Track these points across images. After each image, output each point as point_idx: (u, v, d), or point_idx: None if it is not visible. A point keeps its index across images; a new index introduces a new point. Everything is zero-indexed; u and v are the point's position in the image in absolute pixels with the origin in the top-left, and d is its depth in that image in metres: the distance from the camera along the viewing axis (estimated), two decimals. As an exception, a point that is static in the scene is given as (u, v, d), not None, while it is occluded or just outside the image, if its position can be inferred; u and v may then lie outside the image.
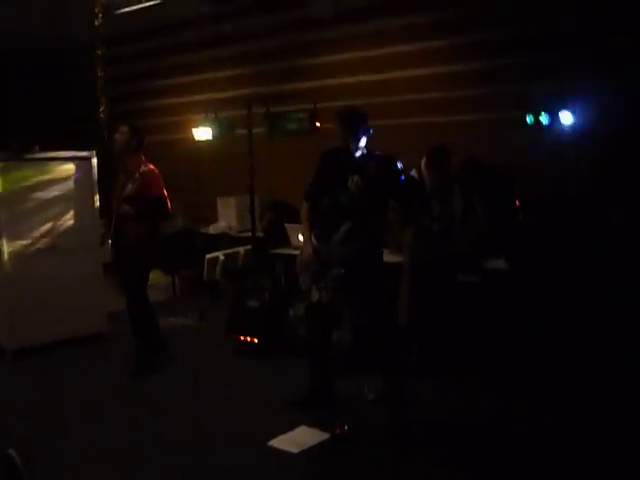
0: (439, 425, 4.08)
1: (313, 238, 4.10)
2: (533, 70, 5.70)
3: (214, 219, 7.96)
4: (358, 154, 4.01)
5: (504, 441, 3.83)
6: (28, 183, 5.66)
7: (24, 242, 5.63)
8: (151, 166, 5.10)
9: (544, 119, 5.14)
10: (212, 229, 7.81)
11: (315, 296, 4.02)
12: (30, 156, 5.66)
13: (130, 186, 5.00)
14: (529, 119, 5.28)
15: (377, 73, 6.83)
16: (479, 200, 5.00)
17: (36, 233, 5.69)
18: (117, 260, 5.23)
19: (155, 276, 6.79)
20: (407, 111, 6.51)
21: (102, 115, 5.49)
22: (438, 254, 4.83)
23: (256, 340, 5.45)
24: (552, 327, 4.59)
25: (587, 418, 4.08)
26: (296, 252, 5.69)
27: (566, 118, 5.06)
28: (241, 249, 7.12)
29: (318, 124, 6.86)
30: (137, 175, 5.01)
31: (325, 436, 3.87)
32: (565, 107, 5.07)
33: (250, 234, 6.35)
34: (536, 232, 4.88)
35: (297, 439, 3.88)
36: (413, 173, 5.03)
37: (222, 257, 6.99)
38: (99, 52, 5.06)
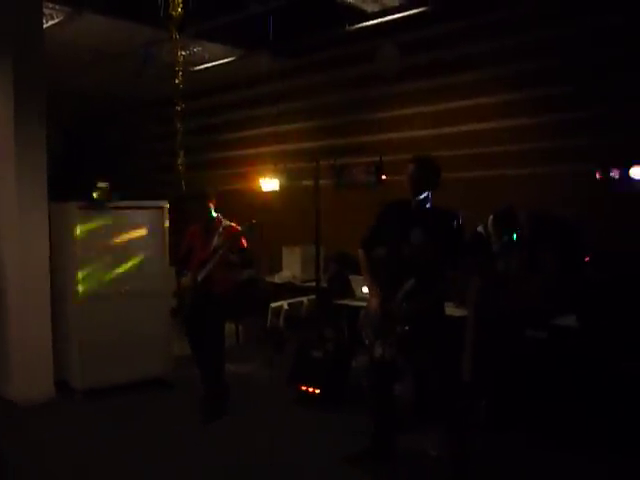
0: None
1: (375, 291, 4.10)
2: (602, 123, 5.65)
3: (279, 268, 8.07)
4: (421, 207, 4.01)
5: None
6: (104, 230, 5.92)
7: (96, 285, 5.85)
8: (228, 222, 5.40)
9: (613, 173, 5.05)
10: (277, 278, 7.92)
11: (378, 352, 4.00)
12: (109, 205, 5.93)
13: (217, 238, 5.25)
14: (598, 173, 5.20)
15: (440, 127, 6.90)
16: (548, 254, 4.93)
17: (108, 277, 5.91)
18: (194, 308, 5.34)
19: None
20: (471, 164, 6.53)
21: (180, 166, 5.73)
22: (505, 308, 4.76)
23: (318, 391, 5.44)
24: (624, 390, 4.41)
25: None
26: (360, 304, 5.75)
27: (636, 172, 4.96)
28: (305, 299, 7.19)
29: (384, 177, 6.97)
30: (221, 229, 5.29)
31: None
32: (635, 161, 4.98)
33: (314, 284, 6.41)
34: (607, 289, 4.74)
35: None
36: (480, 229, 5.02)
37: (286, 306, 7.08)
38: (178, 108, 5.29)
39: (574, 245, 5.15)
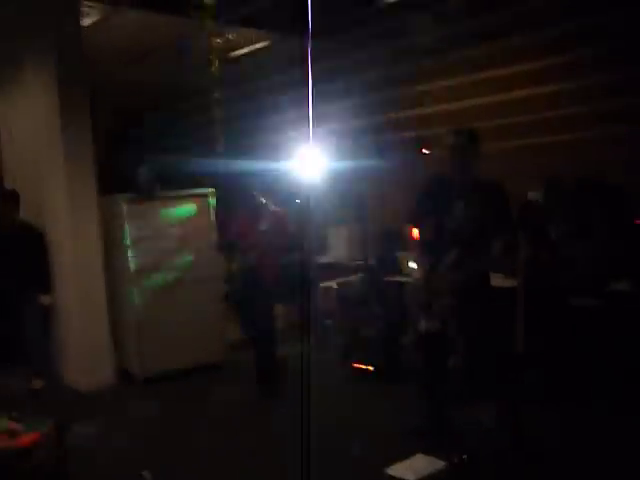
0: (556, 454, 3.93)
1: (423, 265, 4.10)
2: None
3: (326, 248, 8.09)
4: (464, 179, 3.98)
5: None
6: (154, 218, 6.05)
7: (150, 275, 5.99)
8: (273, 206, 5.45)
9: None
10: (325, 258, 7.96)
11: (423, 325, 4.01)
12: (154, 195, 6.05)
13: (264, 223, 5.33)
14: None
15: (483, 96, 6.78)
16: (598, 219, 4.83)
17: (161, 267, 6.05)
18: (244, 293, 5.45)
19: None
20: (511, 134, 6.39)
21: (221, 152, 5.81)
22: (555, 277, 4.70)
23: (372, 368, 5.49)
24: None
25: None
26: (408, 279, 5.75)
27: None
28: (354, 277, 7.21)
29: (426, 151, 6.90)
30: (269, 214, 5.38)
31: (442, 464, 3.83)
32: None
33: (363, 262, 6.43)
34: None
35: (414, 467, 3.86)
36: (532, 196, 4.95)
37: (335, 286, 7.11)
38: (216, 95, 5.36)
39: (624, 209, 5.03)
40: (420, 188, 4.22)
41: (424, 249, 4.15)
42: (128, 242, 5.90)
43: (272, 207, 5.45)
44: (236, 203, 5.77)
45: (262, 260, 5.30)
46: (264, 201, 5.48)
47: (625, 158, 5.44)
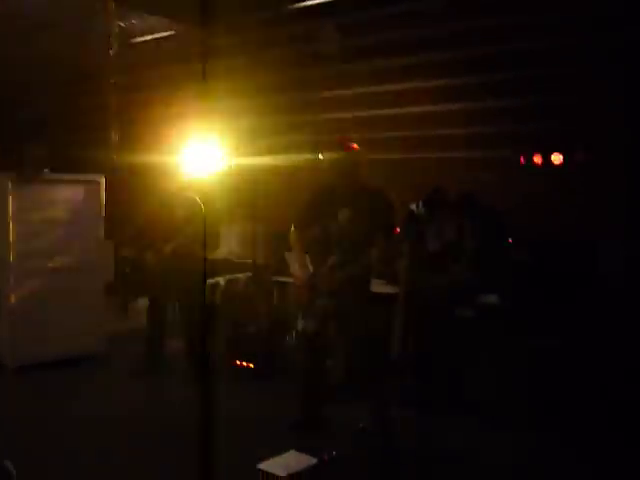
0: (424, 460, 4.15)
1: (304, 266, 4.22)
2: (527, 110, 5.86)
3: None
4: (350, 188, 4.13)
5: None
6: (38, 203, 5.82)
7: (30, 260, 5.76)
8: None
9: (537, 159, 5.28)
10: (215, 254, 7.93)
11: (301, 324, 4.14)
12: (41, 176, 5.83)
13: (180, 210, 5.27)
14: (523, 159, 5.43)
15: (370, 109, 7.02)
16: (473, 235, 5.14)
17: (42, 252, 5.83)
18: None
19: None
20: (398, 147, 6.68)
21: (114, 140, 5.67)
22: (433, 286, 4.95)
23: (252, 365, 5.55)
24: (544, 364, 4.66)
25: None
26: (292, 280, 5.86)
27: (557, 158, 5.19)
28: (241, 275, 7.25)
29: (321, 156, 7.04)
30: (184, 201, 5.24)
31: (313, 461, 3.94)
32: (557, 148, 5.22)
33: (250, 261, 6.48)
34: (527, 269, 4.99)
35: (286, 463, 3.94)
36: (413, 208, 5.20)
37: (222, 283, 7.12)
38: (113, 81, 5.23)
39: (498, 227, 5.38)
40: (309, 194, 4.32)
41: (307, 252, 4.27)
42: (9, 222, 5.64)
43: (186, 194, 5.31)
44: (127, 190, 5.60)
45: (182, 250, 5.22)
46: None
47: (501, 180, 5.84)
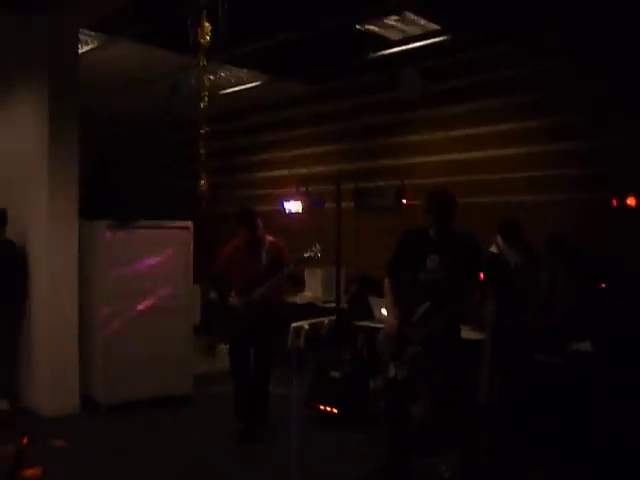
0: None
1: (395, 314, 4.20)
2: (619, 151, 5.73)
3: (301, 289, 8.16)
4: (438, 234, 4.11)
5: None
6: (131, 248, 6.09)
7: (123, 304, 6.00)
8: (271, 237, 5.37)
9: (630, 200, 5.11)
10: (299, 299, 8.03)
11: (392, 372, 4.10)
12: (134, 224, 6.12)
13: (265, 256, 5.22)
14: (615, 200, 5.27)
15: (459, 153, 7.03)
16: (566, 280, 5.00)
17: (135, 295, 6.07)
18: (249, 330, 5.25)
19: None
20: (487, 191, 6.63)
21: (202, 187, 5.86)
22: (522, 329, 4.83)
23: (335, 410, 5.51)
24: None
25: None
26: (379, 325, 5.83)
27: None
28: (325, 319, 7.28)
29: (404, 201, 7.08)
30: (268, 246, 5.27)
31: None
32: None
33: (335, 305, 6.50)
34: (622, 315, 4.79)
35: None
36: (493, 249, 5.12)
37: (307, 326, 7.18)
38: (202, 131, 5.44)
39: (591, 271, 5.20)
40: (399, 240, 4.33)
41: (397, 299, 4.25)
42: (104, 267, 5.92)
43: (270, 238, 5.36)
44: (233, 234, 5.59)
45: (270, 294, 5.19)
46: (263, 231, 5.35)
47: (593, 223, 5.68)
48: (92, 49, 6.62)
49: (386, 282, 4.37)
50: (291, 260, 5.21)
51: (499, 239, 5.07)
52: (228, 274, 5.33)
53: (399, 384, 4.13)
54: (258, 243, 5.27)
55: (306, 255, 5.15)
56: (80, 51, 6.24)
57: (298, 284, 5.54)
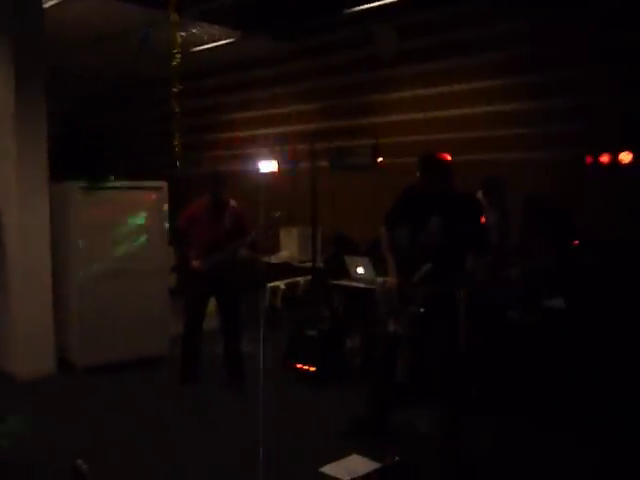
0: (489, 462, 4.09)
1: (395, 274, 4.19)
2: (593, 109, 5.73)
3: (276, 249, 8.17)
4: (439, 194, 4.04)
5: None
6: (104, 210, 5.99)
7: (97, 265, 5.93)
8: (234, 202, 5.43)
9: (603, 158, 5.12)
10: (274, 258, 8.02)
11: (392, 328, 4.14)
12: (107, 185, 6.01)
13: (227, 220, 5.32)
14: (589, 158, 5.28)
15: (435, 110, 6.98)
16: (540, 237, 5.03)
17: (109, 257, 6.00)
18: (212, 288, 5.43)
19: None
20: (464, 149, 6.60)
21: (176, 147, 5.76)
22: (497, 290, 4.87)
23: (313, 369, 5.56)
24: (609, 370, 4.52)
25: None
26: (354, 284, 5.87)
27: (625, 157, 5.02)
28: (301, 279, 7.29)
29: (380, 159, 7.04)
30: (230, 210, 5.35)
31: (376, 465, 3.93)
32: (625, 147, 5.05)
33: (311, 264, 6.50)
34: (594, 273, 4.84)
35: (348, 467, 3.95)
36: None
37: (283, 286, 7.19)
38: (175, 89, 5.33)
39: (564, 229, 5.24)
40: (399, 194, 4.28)
41: (397, 258, 4.23)
42: (77, 230, 5.84)
43: (233, 202, 5.41)
44: (201, 196, 5.60)
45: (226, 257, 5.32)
46: (227, 196, 5.41)
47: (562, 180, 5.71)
48: (57, 3, 6.39)
49: (384, 235, 4.32)
50: (250, 227, 5.39)
51: (480, 195, 5.07)
52: (190, 232, 5.43)
53: (395, 339, 4.19)
54: (223, 206, 5.36)
55: (266, 225, 5.32)
56: (45, 5, 6.02)
57: (255, 250, 5.65)
